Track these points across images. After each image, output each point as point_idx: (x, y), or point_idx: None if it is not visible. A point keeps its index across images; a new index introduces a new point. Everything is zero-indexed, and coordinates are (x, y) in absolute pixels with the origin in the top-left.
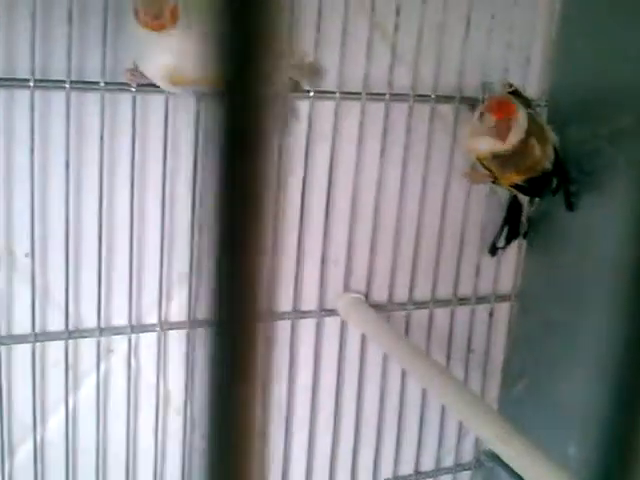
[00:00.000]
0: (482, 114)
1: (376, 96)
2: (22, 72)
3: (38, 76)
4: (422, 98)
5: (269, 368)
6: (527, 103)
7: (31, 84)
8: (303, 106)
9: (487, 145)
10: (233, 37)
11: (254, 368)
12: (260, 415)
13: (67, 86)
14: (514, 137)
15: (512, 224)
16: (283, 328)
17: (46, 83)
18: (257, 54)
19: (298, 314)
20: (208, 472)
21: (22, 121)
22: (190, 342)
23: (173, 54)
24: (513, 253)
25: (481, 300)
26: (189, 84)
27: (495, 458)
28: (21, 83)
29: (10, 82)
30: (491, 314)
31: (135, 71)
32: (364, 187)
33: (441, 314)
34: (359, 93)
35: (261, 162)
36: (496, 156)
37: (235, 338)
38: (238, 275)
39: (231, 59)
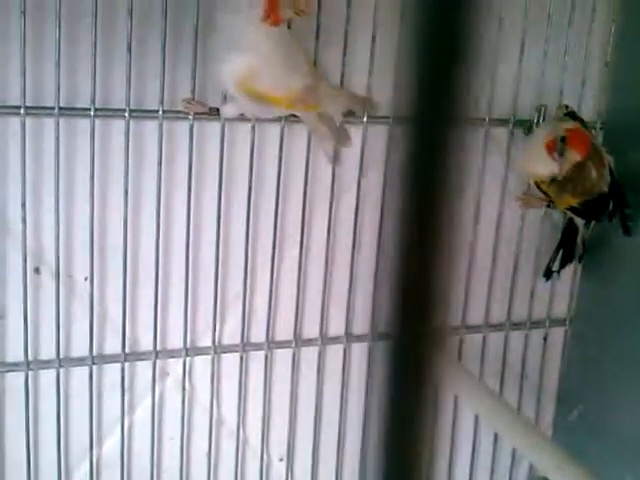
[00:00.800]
0: (559, 144)
1: None
2: (83, 101)
3: (98, 105)
4: (476, 121)
5: (441, 380)
6: (584, 125)
7: (92, 113)
8: (356, 131)
9: (546, 169)
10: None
11: (430, 380)
12: (432, 427)
13: (126, 115)
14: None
15: (567, 247)
16: (336, 350)
17: (106, 112)
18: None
19: (351, 338)
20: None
21: (83, 149)
22: (243, 364)
23: (257, 57)
24: (568, 277)
25: (535, 325)
26: (256, 97)
27: None
28: (82, 112)
29: (72, 111)
30: (545, 339)
31: (192, 100)
32: None
33: (495, 338)
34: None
35: (443, 188)
36: (554, 179)
37: (414, 351)
38: (419, 291)
39: (424, 90)
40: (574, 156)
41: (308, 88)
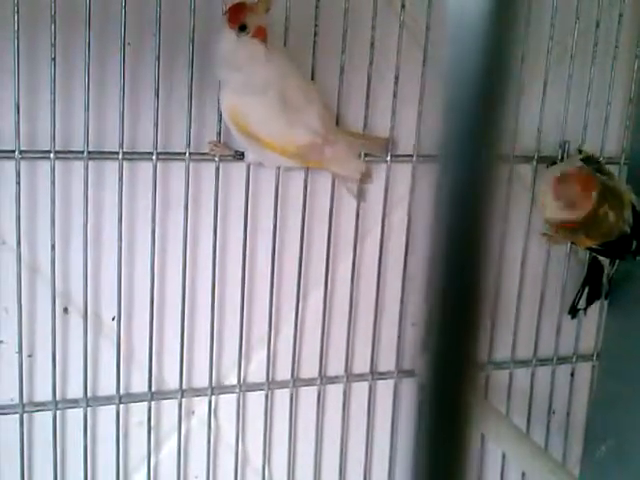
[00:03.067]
0: (561, 180)
1: None
2: (111, 145)
3: (126, 148)
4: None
5: (477, 418)
6: (601, 169)
7: (120, 156)
8: (380, 170)
9: (555, 214)
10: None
11: (466, 419)
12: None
13: (154, 158)
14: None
15: (593, 285)
16: (362, 388)
17: (133, 155)
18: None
19: (375, 375)
20: None
21: (111, 191)
22: (268, 402)
23: (242, 86)
24: (595, 312)
25: (562, 360)
26: (250, 137)
27: None
28: (110, 155)
29: (100, 155)
30: (572, 374)
31: (218, 142)
32: None
33: (521, 375)
34: (435, 155)
35: (479, 225)
36: (564, 225)
37: (448, 390)
38: (456, 330)
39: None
40: (574, 188)
41: (312, 146)
